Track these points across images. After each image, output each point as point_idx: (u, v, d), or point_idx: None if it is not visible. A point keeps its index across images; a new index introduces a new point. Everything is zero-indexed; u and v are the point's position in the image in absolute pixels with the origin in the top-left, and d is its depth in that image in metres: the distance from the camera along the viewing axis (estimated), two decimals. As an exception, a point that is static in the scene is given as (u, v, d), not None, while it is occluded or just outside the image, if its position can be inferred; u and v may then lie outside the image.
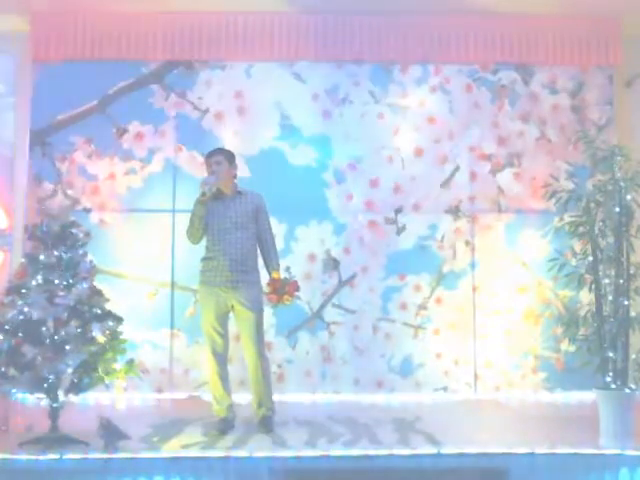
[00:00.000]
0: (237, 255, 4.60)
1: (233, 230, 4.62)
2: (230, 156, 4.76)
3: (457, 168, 6.10)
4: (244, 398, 4.97)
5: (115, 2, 5.80)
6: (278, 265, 4.72)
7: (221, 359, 4.67)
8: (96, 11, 5.91)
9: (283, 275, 4.67)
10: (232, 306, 4.64)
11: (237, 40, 6.02)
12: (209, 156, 4.74)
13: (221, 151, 4.80)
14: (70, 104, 5.99)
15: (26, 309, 4.17)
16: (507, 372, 5.97)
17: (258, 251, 4.75)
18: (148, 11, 5.92)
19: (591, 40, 6.11)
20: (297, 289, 4.60)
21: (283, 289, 4.52)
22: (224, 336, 4.68)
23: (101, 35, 5.97)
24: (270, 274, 4.66)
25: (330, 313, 5.99)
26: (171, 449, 4.12)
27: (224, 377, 4.68)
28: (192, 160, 5.99)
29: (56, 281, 4.21)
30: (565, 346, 5.39)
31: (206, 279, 4.67)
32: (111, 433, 4.06)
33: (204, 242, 4.73)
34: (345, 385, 5.90)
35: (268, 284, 4.59)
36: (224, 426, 4.56)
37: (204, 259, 4.71)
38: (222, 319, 4.66)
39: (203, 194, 4.51)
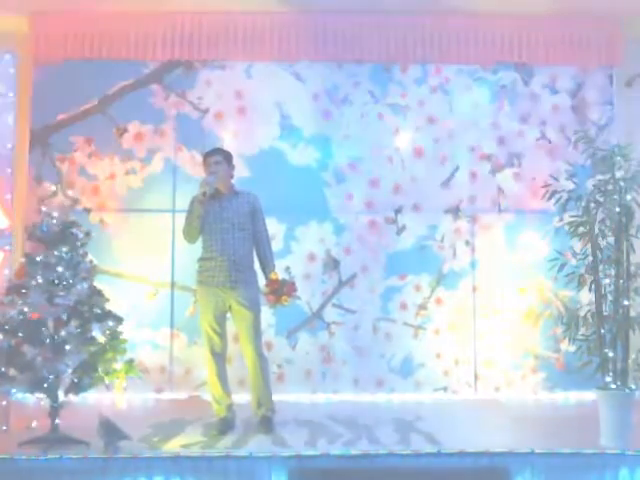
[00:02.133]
0: (234, 255, 4.59)
1: (230, 230, 4.61)
2: (228, 156, 4.76)
3: (457, 168, 6.11)
4: (244, 398, 4.97)
5: (115, 2, 5.80)
6: (274, 266, 4.71)
7: (220, 359, 4.67)
8: (96, 11, 5.91)
9: (281, 276, 4.67)
10: (230, 306, 4.64)
11: (237, 40, 6.02)
12: (208, 156, 4.74)
13: (219, 151, 4.80)
14: (70, 104, 6.00)
15: (26, 309, 4.17)
16: (507, 372, 5.97)
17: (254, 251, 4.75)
18: (148, 11, 5.93)
19: (591, 40, 6.11)
20: (295, 290, 4.60)
21: (281, 290, 4.52)
22: (222, 336, 4.67)
23: (101, 35, 5.98)
24: (267, 275, 4.64)
25: (330, 313, 5.99)
26: (171, 449, 4.12)
27: (223, 377, 4.68)
28: (192, 160, 5.99)
29: (56, 281, 4.21)
30: (565, 346, 5.38)
31: (204, 279, 4.66)
32: (111, 433, 4.06)
33: (200, 242, 4.72)
34: (345, 385, 5.90)
35: (266, 285, 4.58)
36: (224, 426, 4.56)
37: (201, 259, 4.70)
38: (220, 319, 4.66)
39: (204, 194, 4.51)
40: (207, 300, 4.64)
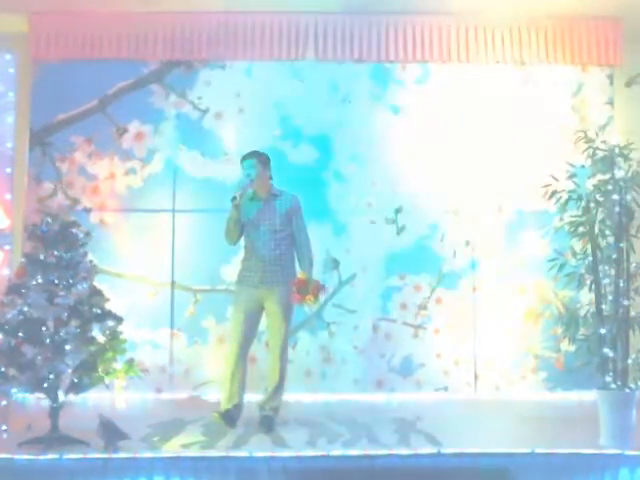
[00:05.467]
0: (270, 257, 4.69)
1: (266, 232, 4.70)
2: (265, 159, 4.80)
3: (457, 168, 6.10)
4: (245, 398, 4.96)
5: (115, 2, 5.80)
6: (310, 266, 4.75)
7: (238, 357, 4.68)
8: (96, 11, 5.91)
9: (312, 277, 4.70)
10: (263, 306, 4.73)
11: (237, 40, 6.02)
12: (243, 159, 4.81)
13: (255, 154, 4.82)
14: (70, 104, 6.00)
15: (26, 309, 4.16)
16: (507, 372, 5.97)
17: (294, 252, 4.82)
18: (148, 11, 5.93)
19: (591, 40, 6.11)
20: (321, 289, 4.67)
21: (306, 289, 4.58)
22: (247, 335, 4.71)
23: (101, 35, 5.98)
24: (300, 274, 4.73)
25: (330, 313, 5.99)
26: (171, 449, 4.12)
27: (238, 376, 4.68)
28: (192, 160, 6.00)
29: (56, 281, 4.21)
30: (565, 346, 5.38)
31: (241, 279, 4.80)
32: (111, 433, 4.06)
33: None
34: (345, 385, 5.90)
35: (293, 284, 4.64)
36: (227, 418, 4.59)
37: (242, 260, 4.84)
38: (250, 317, 4.71)
39: (234, 198, 4.59)
40: (240, 298, 4.78)
